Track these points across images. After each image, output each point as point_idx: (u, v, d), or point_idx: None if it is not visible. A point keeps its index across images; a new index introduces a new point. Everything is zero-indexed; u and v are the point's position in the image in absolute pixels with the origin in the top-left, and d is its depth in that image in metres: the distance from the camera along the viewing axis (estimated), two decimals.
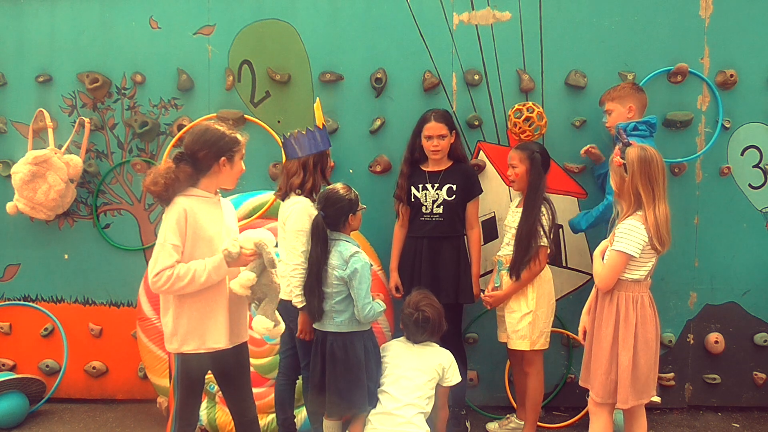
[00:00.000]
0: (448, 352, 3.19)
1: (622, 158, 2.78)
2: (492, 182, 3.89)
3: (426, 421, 3.04)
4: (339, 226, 3.07)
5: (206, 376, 2.78)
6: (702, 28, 3.80)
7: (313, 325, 3.09)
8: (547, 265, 3.42)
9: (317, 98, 3.39)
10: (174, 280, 2.48)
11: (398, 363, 3.11)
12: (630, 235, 2.72)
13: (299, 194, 3.14)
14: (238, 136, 2.69)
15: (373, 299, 3.05)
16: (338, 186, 3.09)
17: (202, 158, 2.61)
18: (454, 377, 3.15)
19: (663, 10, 3.79)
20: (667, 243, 2.78)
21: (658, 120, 3.58)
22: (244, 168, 2.73)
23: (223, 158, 2.63)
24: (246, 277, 2.57)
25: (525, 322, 3.34)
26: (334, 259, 3.02)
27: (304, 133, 3.12)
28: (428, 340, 3.18)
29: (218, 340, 2.63)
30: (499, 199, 3.89)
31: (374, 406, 3.06)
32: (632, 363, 2.75)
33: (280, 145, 3.85)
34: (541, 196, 3.34)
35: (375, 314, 3.02)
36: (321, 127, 3.17)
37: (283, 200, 3.22)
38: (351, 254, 2.99)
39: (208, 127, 2.67)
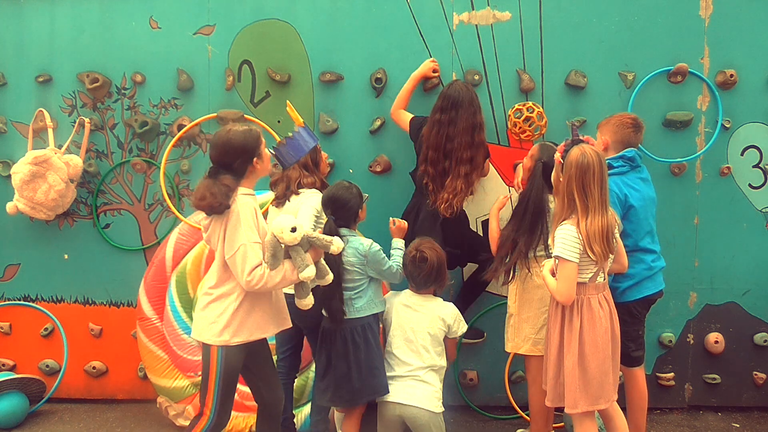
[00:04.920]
0: (451, 304, 3.16)
1: (563, 157, 2.71)
2: (492, 182, 3.88)
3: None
4: (351, 223, 3.11)
5: None
6: (702, 28, 3.80)
7: None
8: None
9: (287, 101, 3.28)
10: (267, 279, 2.60)
11: (401, 322, 3.09)
12: (565, 241, 2.65)
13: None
14: (256, 130, 2.75)
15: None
16: (339, 186, 3.09)
17: (238, 166, 2.68)
18: (460, 328, 3.13)
19: (663, 10, 3.79)
20: (604, 256, 2.67)
21: (640, 145, 3.34)
22: (269, 153, 2.80)
23: (254, 158, 2.70)
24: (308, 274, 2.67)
25: (508, 324, 3.29)
26: (350, 257, 3.03)
27: (291, 137, 3.02)
28: (429, 287, 3.13)
29: (265, 329, 2.76)
30: None
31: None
32: (581, 367, 2.70)
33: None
34: (529, 210, 3.02)
35: (399, 267, 3.14)
36: (302, 125, 3.14)
37: (280, 206, 3.28)
38: (367, 248, 3.04)
39: (229, 136, 2.68)
